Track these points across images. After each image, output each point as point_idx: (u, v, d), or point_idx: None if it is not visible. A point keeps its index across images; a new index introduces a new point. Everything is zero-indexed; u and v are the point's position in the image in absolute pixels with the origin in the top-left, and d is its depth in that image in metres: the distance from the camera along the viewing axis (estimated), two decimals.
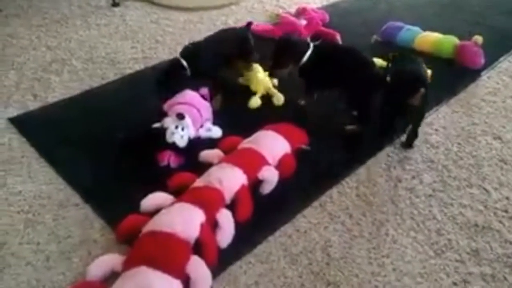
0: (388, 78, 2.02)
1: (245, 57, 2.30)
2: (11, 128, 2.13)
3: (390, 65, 2.11)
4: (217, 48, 2.18)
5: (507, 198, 1.81)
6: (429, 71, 2.16)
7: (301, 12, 3.03)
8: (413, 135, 2.03)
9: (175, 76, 2.08)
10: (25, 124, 2.15)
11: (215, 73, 2.21)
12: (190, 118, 1.93)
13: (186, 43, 2.24)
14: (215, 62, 2.16)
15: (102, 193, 1.77)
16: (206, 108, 2.07)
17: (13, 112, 2.24)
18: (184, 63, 2.08)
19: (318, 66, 2.04)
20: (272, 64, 2.12)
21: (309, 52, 2.05)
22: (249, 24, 2.37)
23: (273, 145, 1.86)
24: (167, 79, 2.08)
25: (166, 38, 2.95)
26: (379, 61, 2.52)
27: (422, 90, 1.89)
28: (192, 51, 2.14)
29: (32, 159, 1.95)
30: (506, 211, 1.75)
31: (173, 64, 2.11)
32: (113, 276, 1.41)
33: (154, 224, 1.50)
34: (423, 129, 2.11)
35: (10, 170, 1.90)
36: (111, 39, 2.94)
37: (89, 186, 1.81)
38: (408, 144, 2.04)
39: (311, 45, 2.07)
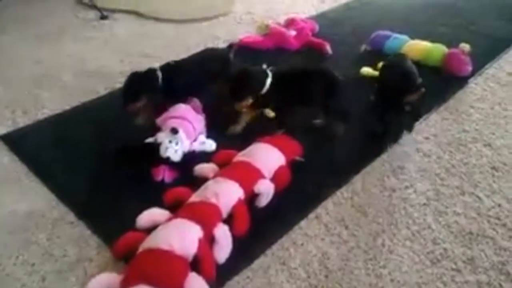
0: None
1: (224, 78, 2.25)
2: (1, 145, 2.11)
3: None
4: (199, 67, 2.17)
5: (499, 205, 1.83)
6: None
7: (290, 23, 3.04)
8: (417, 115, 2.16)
9: (146, 83, 2.05)
10: (15, 142, 2.13)
11: (198, 91, 2.20)
12: (183, 132, 1.93)
13: (176, 55, 2.24)
14: (197, 81, 2.15)
15: (96, 210, 1.76)
16: (199, 121, 2.07)
17: (3, 129, 2.22)
18: (160, 74, 2.07)
19: (281, 91, 2.04)
20: (231, 98, 2.07)
21: (269, 80, 2.04)
22: (231, 45, 2.37)
23: (268, 158, 1.86)
24: (138, 85, 2.05)
25: (156, 51, 2.95)
26: (368, 70, 2.57)
27: (423, 89, 2.00)
28: (173, 68, 2.13)
29: (24, 176, 1.93)
30: (498, 218, 1.77)
31: (148, 73, 2.08)
32: None
33: (151, 241, 1.49)
34: (414, 137, 2.15)
35: (2, 189, 1.87)
36: (100, 53, 2.93)
37: (83, 203, 1.79)
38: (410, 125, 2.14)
39: (269, 72, 2.05)
